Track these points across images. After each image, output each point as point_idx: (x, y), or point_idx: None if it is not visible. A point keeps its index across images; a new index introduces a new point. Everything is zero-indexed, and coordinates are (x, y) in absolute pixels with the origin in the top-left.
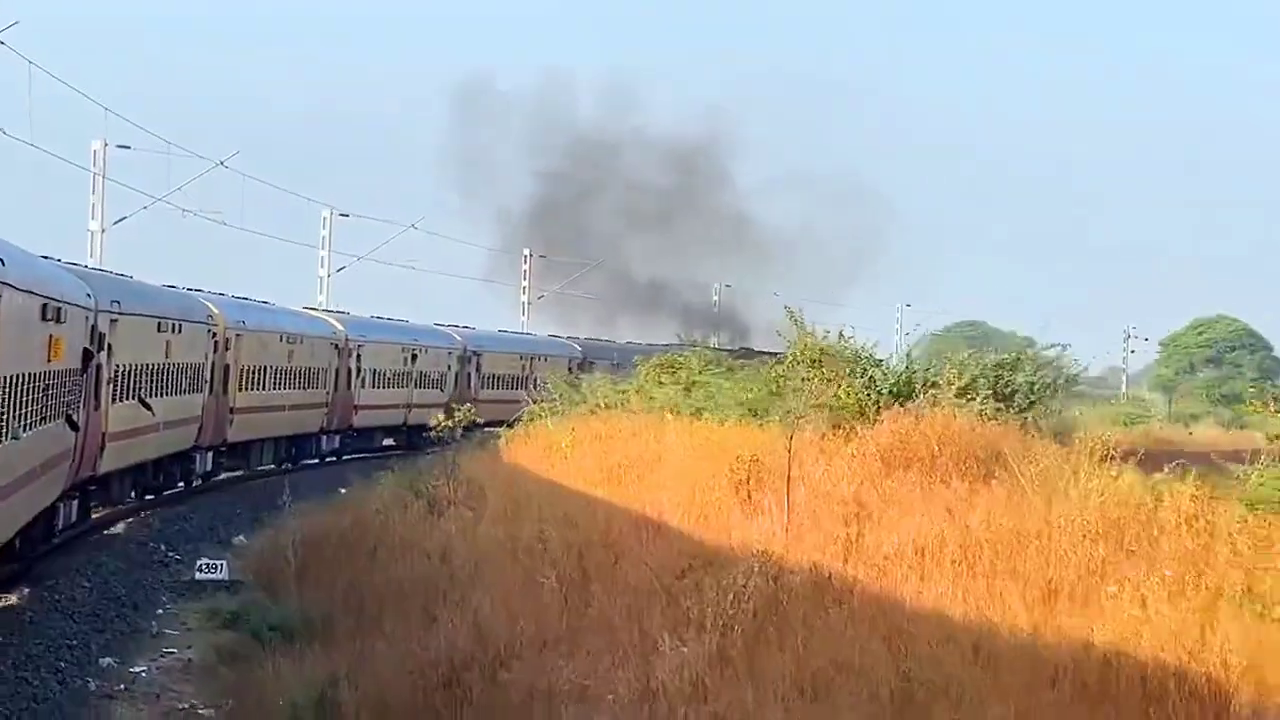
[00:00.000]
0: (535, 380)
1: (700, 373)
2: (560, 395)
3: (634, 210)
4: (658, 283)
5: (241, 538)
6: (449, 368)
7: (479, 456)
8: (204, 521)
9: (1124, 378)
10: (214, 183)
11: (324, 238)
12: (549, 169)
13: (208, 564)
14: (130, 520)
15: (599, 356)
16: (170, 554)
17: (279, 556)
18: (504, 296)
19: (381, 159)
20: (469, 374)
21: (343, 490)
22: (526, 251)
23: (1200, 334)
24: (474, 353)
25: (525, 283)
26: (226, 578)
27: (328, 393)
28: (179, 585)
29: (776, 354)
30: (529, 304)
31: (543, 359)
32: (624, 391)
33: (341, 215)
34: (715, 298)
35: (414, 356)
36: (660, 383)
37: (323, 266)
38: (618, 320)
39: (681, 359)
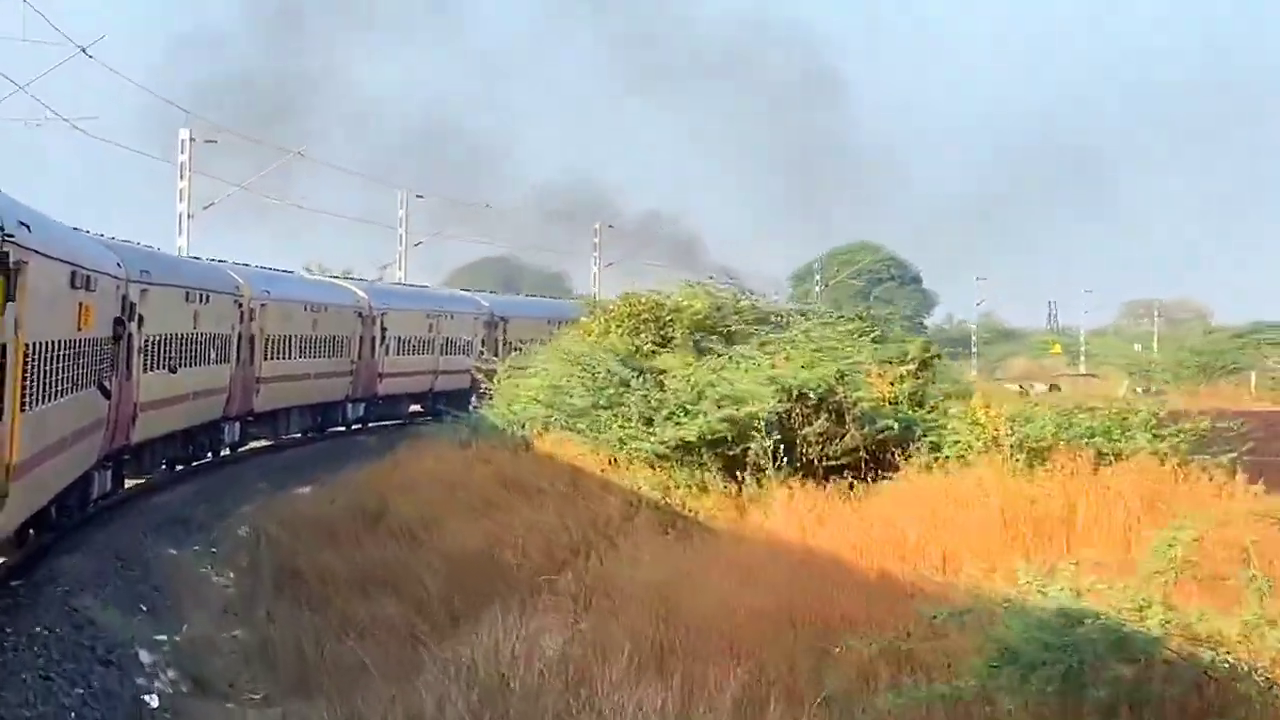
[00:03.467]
0: None
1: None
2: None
3: None
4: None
5: None
6: (475, 334)
7: None
8: None
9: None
10: None
11: None
12: None
13: None
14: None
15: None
16: None
17: None
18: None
19: None
20: (495, 340)
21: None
22: (186, 134)
23: (851, 263)
24: (500, 318)
25: (183, 182)
26: None
27: (352, 361)
28: None
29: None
30: (189, 216)
31: (568, 323)
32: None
33: None
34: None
35: (439, 323)
36: None
37: None
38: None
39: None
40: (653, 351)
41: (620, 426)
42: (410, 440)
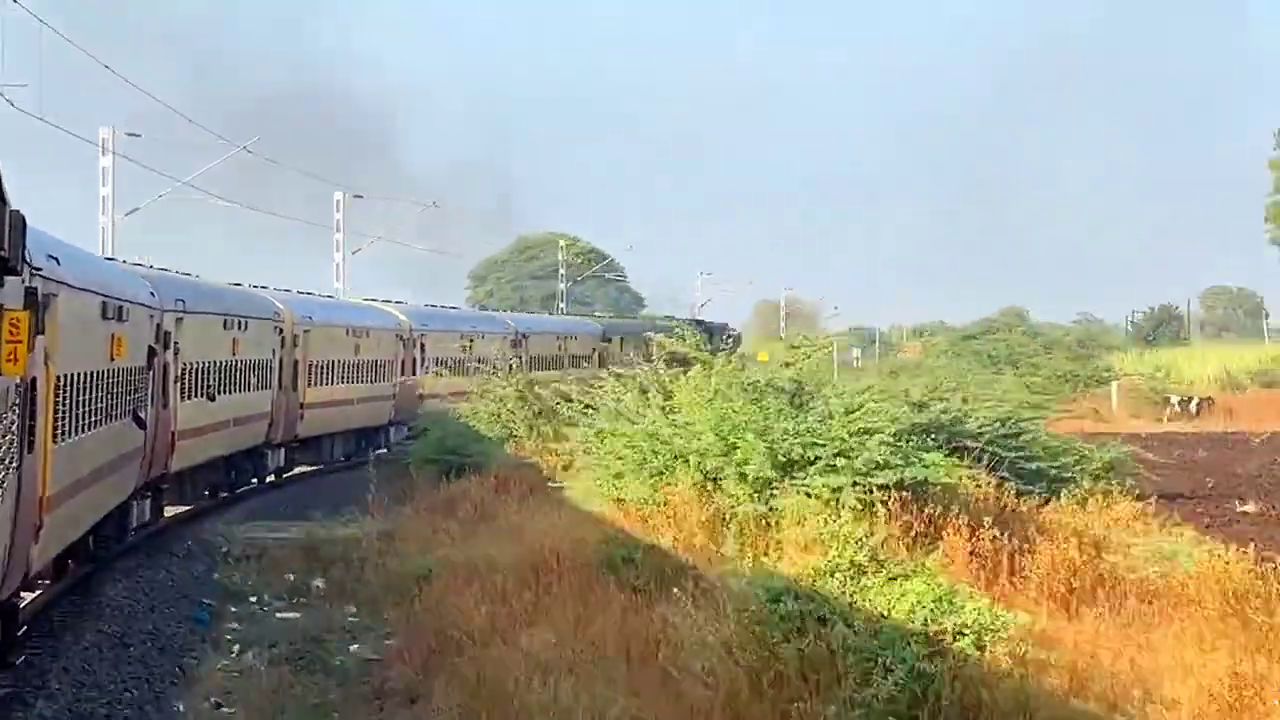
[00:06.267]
0: (568, 359)
1: None
2: None
3: None
4: None
5: None
6: (503, 353)
7: None
8: None
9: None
10: None
11: None
12: None
13: None
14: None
15: (621, 332)
16: None
17: None
18: None
19: None
20: (519, 357)
21: None
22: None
23: (538, 257)
24: (522, 335)
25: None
26: None
27: (394, 385)
28: None
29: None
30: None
31: (574, 339)
32: None
33: None
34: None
35: (471, 344)
36: None
37: None
38: None
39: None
40: None
41: None
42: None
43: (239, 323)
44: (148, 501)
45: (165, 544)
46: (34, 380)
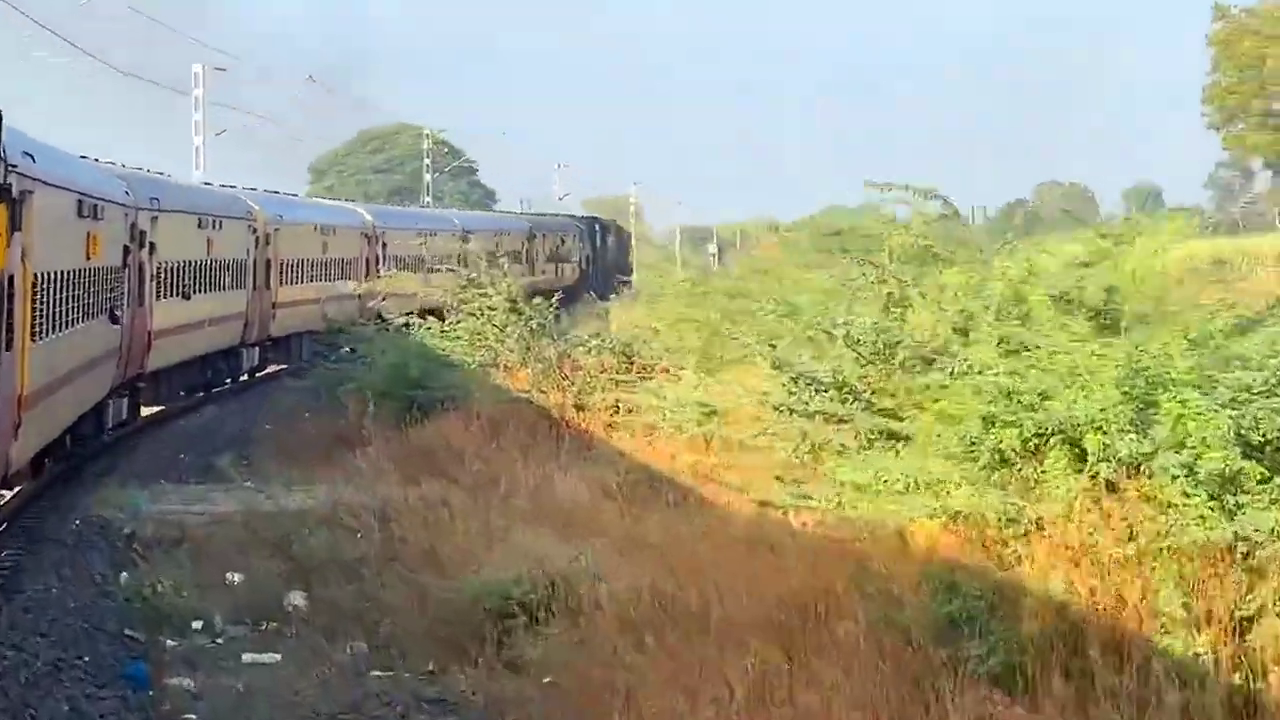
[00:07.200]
0: (502, 254)
1: None
2: None
3: None
4: None
5: None
6: (452, 250)
7: None
8: None
9: None
10: None
11: None
12: None
13: None
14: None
15: (543, 230)
16: None
17: None
18: None
19: None
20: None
21: None
22: None
23: (382, 149)
24: (468, 233)
25: None
26: None
27: (358, 283)
28: None
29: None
30: None
31: (508, 235)
32: None
33: None
34: None
35: (425, 242)
36: None
37: None
38: None
39: None
40: None
41: None
42: None
43: (214, 222)
44: (125, 401)
45: (43, 522)
46: (11, 278)
